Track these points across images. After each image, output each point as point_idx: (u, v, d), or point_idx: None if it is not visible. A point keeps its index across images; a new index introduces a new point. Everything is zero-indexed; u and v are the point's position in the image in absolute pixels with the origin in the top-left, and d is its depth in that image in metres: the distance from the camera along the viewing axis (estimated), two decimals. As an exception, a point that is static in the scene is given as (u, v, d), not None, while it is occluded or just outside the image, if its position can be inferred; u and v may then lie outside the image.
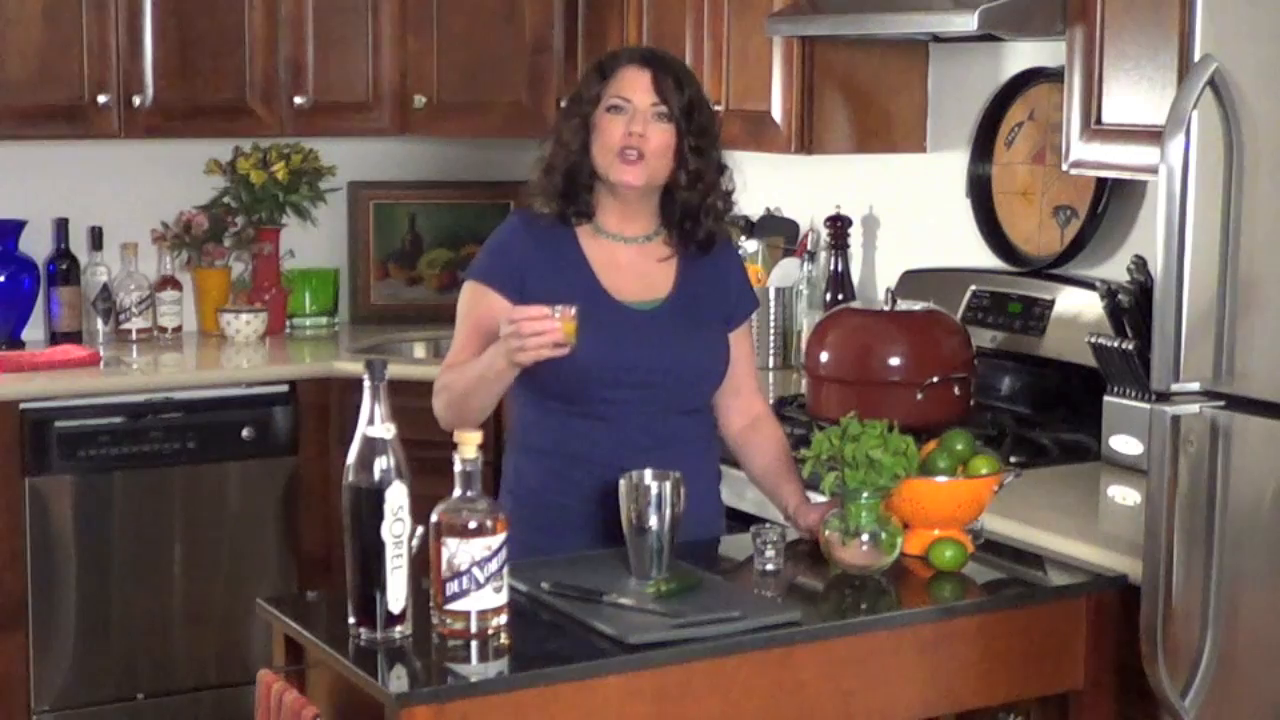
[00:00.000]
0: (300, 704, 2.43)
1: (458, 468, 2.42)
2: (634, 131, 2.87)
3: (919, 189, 4.23)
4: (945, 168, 4.13)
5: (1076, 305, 3.64)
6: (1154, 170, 2.54)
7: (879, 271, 4.36)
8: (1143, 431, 3.06)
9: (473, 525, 2.40)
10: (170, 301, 4.85)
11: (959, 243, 4.07)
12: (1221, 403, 2.53)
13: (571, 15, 4.74)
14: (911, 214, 4.27)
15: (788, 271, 4.39)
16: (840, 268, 4.29)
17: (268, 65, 4.70)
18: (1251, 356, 2.48)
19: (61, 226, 4.72)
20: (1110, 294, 3.31)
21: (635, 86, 2.89)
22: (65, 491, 4.23)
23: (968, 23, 3.37)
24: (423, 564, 2.43)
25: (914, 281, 4.02)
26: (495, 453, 3.30)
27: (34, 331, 4.73)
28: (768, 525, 2.84)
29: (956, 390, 3.53)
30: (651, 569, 2.64)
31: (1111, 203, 3.67)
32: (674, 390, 2.95)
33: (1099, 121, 3.19)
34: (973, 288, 3.92)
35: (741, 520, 3.22)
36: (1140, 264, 3.31)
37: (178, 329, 4.86)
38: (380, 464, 2.39)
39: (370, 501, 2.39)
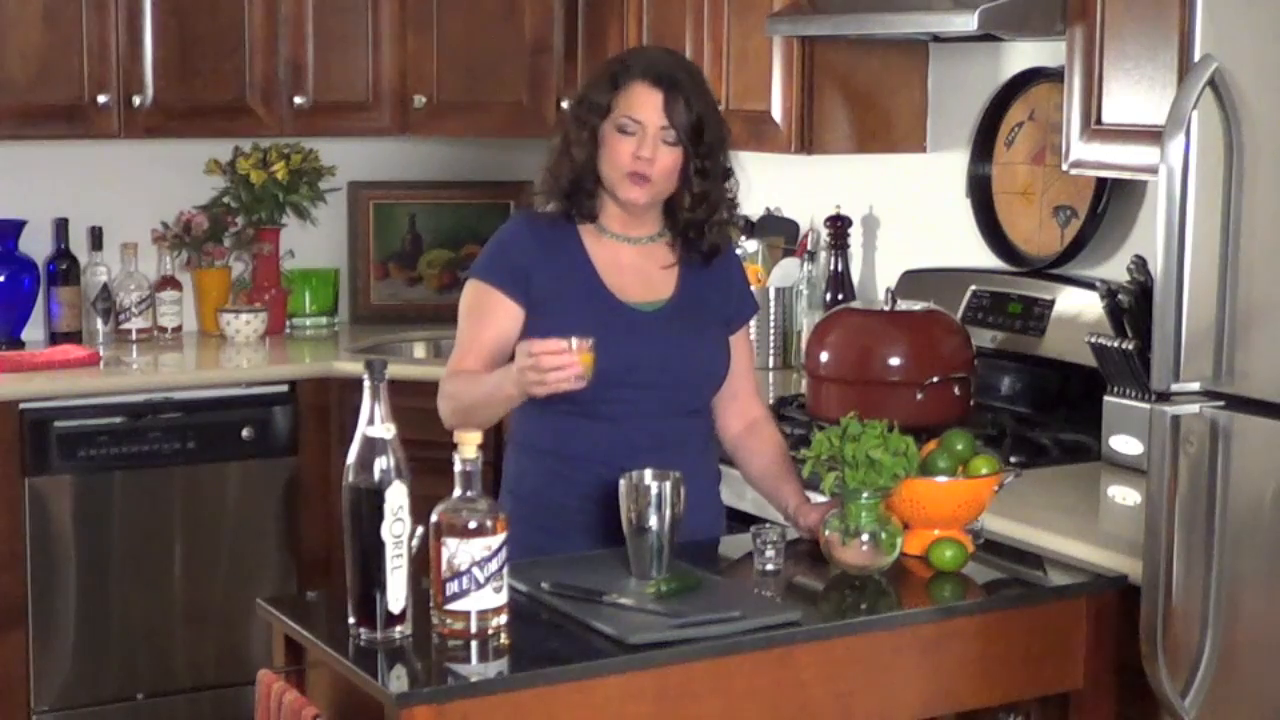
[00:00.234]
0: (300, 704, 2.43)
1: (458, 468, 2.42)
2: (642, 156, 2.86)
3: (919, 189, 4.23)
4: (945, 168, 4.12)
5: (1076, 305, 3.64)
6: (1154, 170, 2.54)
7: (879, 271, 4.35)
8: (1143, 431, 3.05)
9: (473, 525, 2.40)
10: (170, 301, 4.85)
11: (959, 243, 4.07)
12: (1221, 403, 2.53)
13: (571, 15, 4.73)
14: (911, 214, 4.27)
15: (788, 271, 4.39)
16: (840, 268, 4.29)
17: (268, 65, 4.69)
18: (1251, 356, 2.47)
19: (61, 226, 4.72)
20: (1110, 294, 3.31)
21: (646, 107, 2.86)
22: (65, 491, 4.23)
23: (968, 23, 3.37)
24: (423, 564, 2.43)
25: (914, 281, 4.02)
26: (495, 453, 3.30)
27: (34, 331, 4.72)
28: (768, 525, 2.84)
29: (956, 390, 3.53)
30: (651, 569, 2.64)
31: (1111, 203, 3.67)
32: (676, 391, 2.95)
33: (1099, 121, 3.18)
34: (973, 288, 3.92)
35: (741, 520, 3.22)
36: (1140, 264, 3.31)
37: (178, 329, 4.86)
38: (380, 464, 2.39)
39: (370, 501, 2.39)
